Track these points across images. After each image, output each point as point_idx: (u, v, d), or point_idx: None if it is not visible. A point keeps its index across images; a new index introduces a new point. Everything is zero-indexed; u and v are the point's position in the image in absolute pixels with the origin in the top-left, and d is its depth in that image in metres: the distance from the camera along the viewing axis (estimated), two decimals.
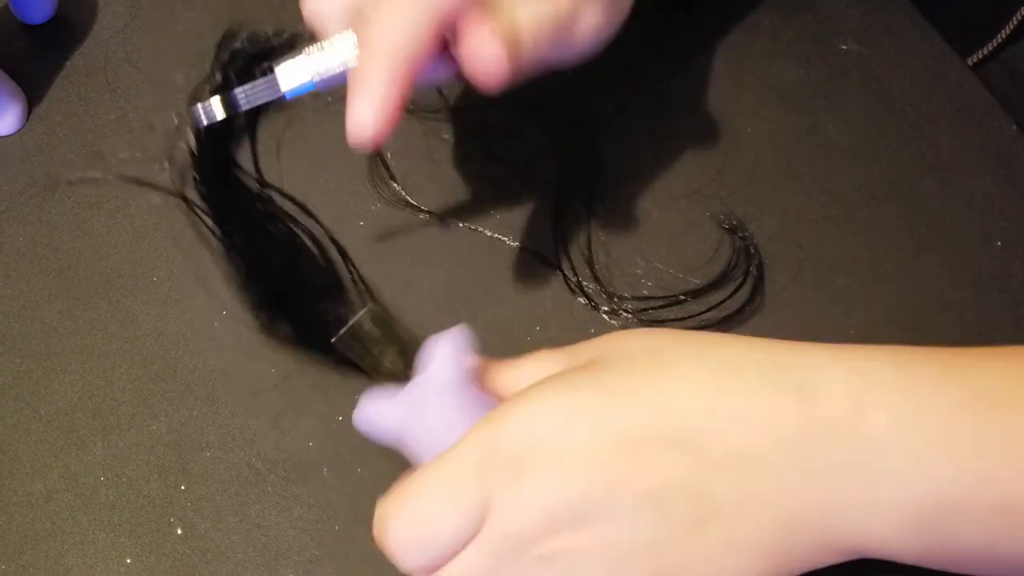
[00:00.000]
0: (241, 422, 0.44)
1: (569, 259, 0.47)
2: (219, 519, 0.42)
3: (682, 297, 0.46)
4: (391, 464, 0.43)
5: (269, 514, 0.42)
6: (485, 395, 0.37)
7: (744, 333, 0.44)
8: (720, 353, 0.35)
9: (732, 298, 0.46)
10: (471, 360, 0.37)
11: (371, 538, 0.40)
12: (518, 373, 0.38)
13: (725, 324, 0.46)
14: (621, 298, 0.46)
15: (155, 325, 0.46)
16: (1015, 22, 0.53)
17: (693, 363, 0.34)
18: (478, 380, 0.37)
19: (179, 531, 0.42)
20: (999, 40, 0.54)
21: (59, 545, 0.41)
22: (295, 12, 0.51)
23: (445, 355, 0.36)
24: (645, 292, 0.46)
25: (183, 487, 0.42)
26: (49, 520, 0.42)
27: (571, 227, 0.48)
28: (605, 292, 0.46)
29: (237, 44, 0.51)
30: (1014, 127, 0.50)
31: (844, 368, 0.33)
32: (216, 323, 0.46)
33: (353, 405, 0.44)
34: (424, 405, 0.36)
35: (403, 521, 0.33)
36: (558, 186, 0.49)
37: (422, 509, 0.33)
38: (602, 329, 0.46)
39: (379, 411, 0.37)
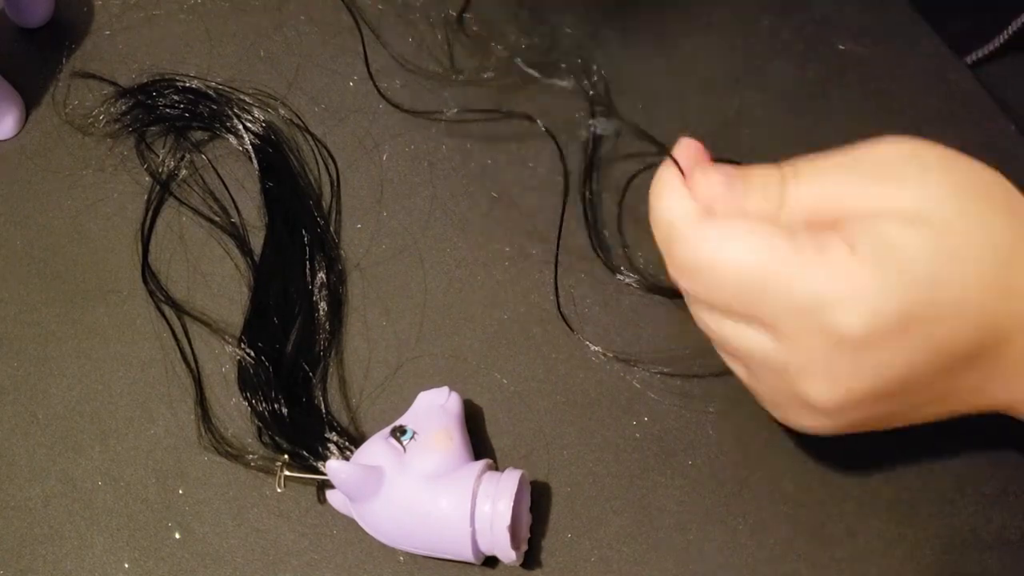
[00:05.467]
0: (238, 426, 0.44)
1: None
2: (217, 523, 0.42)
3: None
4: None
5: (267, 518, 0.42)
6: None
7: None
8: None
9: None
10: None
11: (368, 542, 0.40)
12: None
13: None
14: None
15: (152, 329, 0.46)
16: (1016, 27, 0.53)
17: None
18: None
19: (177, 535, 0.42)
20: (1000, 42, 0.54)
21: (57, 549, 0.41)
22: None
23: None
24: None
25: (181, 491, 0.42)
26: (47, 524, 0.42)
27: (574, 226, 0.48)
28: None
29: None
30: (1012, 127, 0.50)
31: None
32: (212, 328, 0.46)
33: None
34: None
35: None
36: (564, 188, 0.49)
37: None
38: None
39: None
